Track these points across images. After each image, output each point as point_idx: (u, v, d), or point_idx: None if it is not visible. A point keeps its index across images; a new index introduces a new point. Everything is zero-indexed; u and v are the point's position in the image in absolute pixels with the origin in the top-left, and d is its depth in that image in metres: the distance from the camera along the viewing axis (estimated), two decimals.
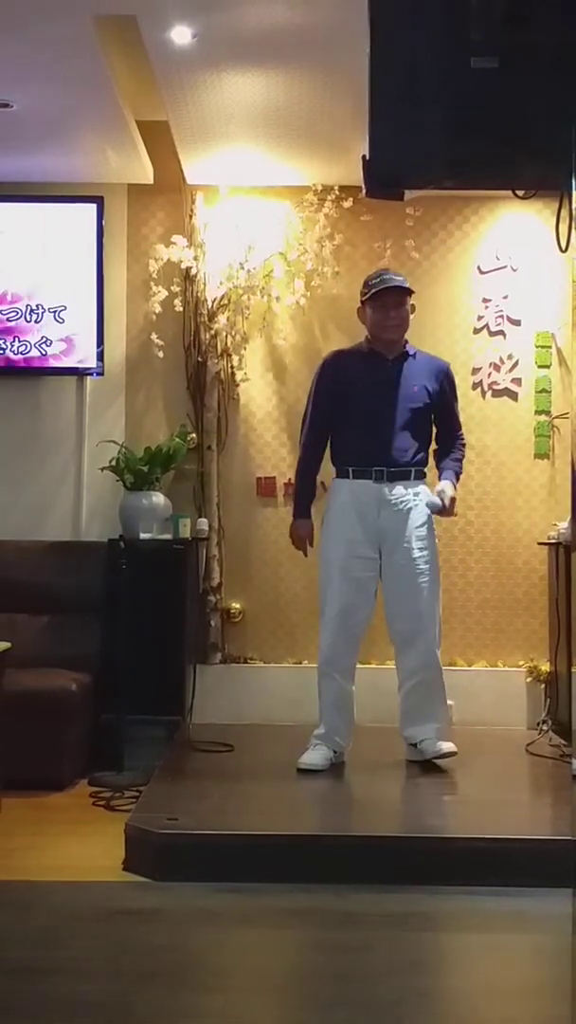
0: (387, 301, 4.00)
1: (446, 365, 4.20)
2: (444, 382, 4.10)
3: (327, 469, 4.19)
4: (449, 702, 4.73)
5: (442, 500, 4.00)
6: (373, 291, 4.02)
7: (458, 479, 4.13)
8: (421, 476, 4.07)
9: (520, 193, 2.45)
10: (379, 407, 3.98)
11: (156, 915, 2.95)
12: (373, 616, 4.08)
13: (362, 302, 4.09)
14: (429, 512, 4.04)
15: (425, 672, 4.01)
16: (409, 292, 4.06)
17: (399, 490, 3.99)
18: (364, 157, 2.18)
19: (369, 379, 4.00)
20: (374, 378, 3.99)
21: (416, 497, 4.01)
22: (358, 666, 4.33)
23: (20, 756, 4.05)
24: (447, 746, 3.96)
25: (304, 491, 4.16)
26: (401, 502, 3.99)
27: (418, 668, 4.01)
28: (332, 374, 4.08)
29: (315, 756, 3.97)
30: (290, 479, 5.04)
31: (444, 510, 4.02)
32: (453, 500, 4.03)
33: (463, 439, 4.22)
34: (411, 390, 3.99)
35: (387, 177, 2.17)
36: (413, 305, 4.10)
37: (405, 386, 3.99)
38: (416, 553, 3.99)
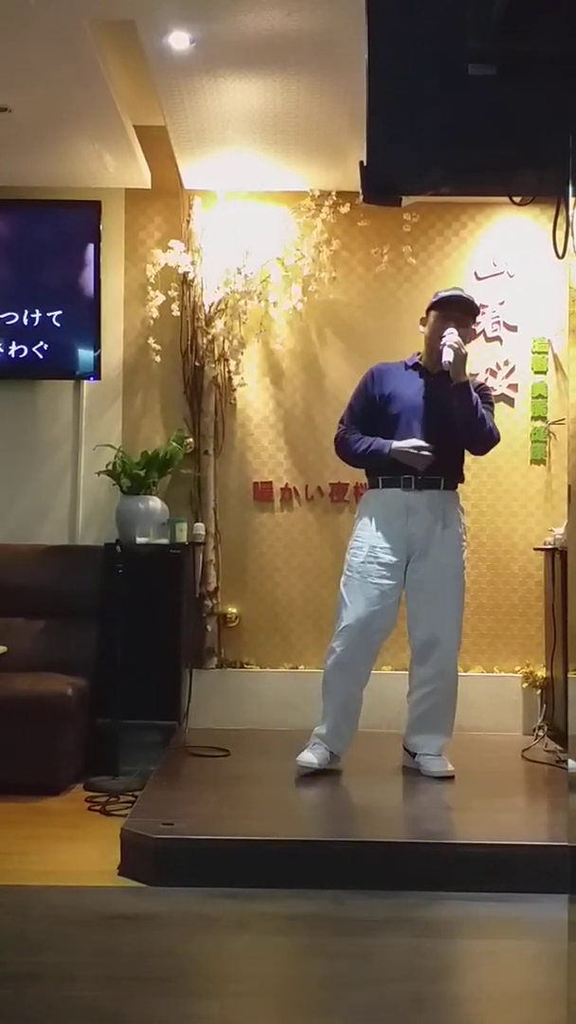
0: (453, 315, 3.98)
1: (484, 384, 4.18)
2: (482, 397, 4.02)
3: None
4: None
5: (455, 350, 3.85)
6: (441, 297, 4.05)
7: (475, 399, 3.91)
8: (453, 486, 4.03)
9: (517, 200, 2.46)
10: (414, 418, 3.95)
11: (152, 920, 2.95)
12: (394, 626, 4.03)
13: (428, 310, 4.07)
14: (459, 516, 4.01)
15: (440, 682, 3.99)
16: (475, 314, 4.06)
17: (429, 497, 3.96)
18: (361, 163, 2.19)
19: (409, 391, 3.98)
20: (414, 390, 3.98)
21: (447, 505, 3.97)
22: None
23: (16, 760, 4.06)
24: (447, 769, 3.94)
25: (365, 441, 3.99)
26: (430, 508, 3.95)
27: (433, 677, 3.99)
28: (374, 382, 4.06)
29: (314, 755, 3.96)
30: (287, 484, 5.05)
31: (457, 353, 3.85)
32: (465, 356, 3.89)
33: (495, 429, 4.04)
34: (448, 406, 3.93)
35: (384, 183, 2.18)
36: (474, 330, 4.07)
37: (442, 402, 3.94)
38: (445, 561, 3.96)
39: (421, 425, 3.95)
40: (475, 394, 3.94)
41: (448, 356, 3.85)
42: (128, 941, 2.82)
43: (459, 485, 4.08)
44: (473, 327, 4.08)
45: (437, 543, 3.95)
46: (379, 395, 4.03)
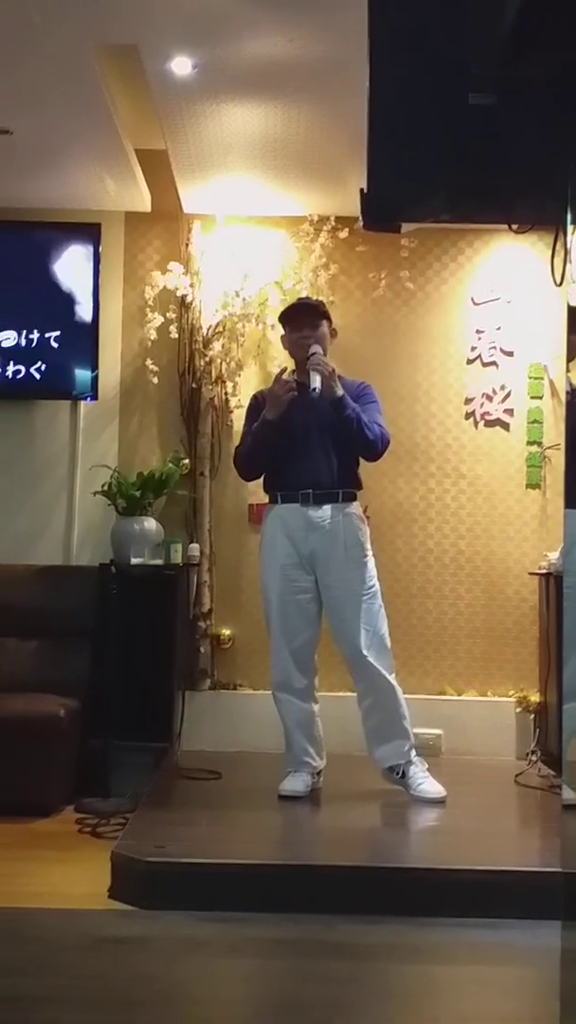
0: (302, 321, 4.07)
1: (364, 383, 4.18)
2: (361, 399, 4.07)
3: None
4: (438, 731, 4.78)
5: (320, 372, 3.88)
6: (286, 310, 4.19)
7: (351, 411, 3.94)
8: (351, 497, 4.07)
9: (515, 227, 2.48)
10: (303, 433, 3.99)
11: (142, 944, 2.93)
12: (319, 638, 4.08)
13: (284, 329, 4.17)
14: (359, 526, 4.03)
15: (376, 694, 3.99)
16: (323, 315, 4.11)
17: (327, 511, 3.99)
18: (362, 190, 2.20)
19: (293, 410, 3.99)
20: (297, 409, 3.98)
21: (346, 518, 4.01)
22: (343, 694, 4.33)
23: (6, 781, 4.04)
24: (440, 792, 3.93)
25: (249, 435, 4.08)
26: (330, 523, 3.99)
27: (368, 691, 4.00)
28: (258, 408, 4.10)
29: (295, 783, 3.97)
30: None
31: (322, 374, 3.88)
32: (332, 371, 3.93)
33: (384, 431, 4.06)
34: (332, 418, 3.97)
35: (385, 211, 2.20)
36: (334, 330, 4.16)
37: (326, 415, 3.97)
38: (349, 574, 3.98)
39: (310, 442, 3.99)
40: (352, 405, 3.96)
41: (316, 382, 3.88)
42: (118, 965, 2.80)
43: (358, 493, 4.11)
44: (331, 328, 4.12)
45: (341, 559, 3.98)
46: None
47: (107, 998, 2.59)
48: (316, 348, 3.97)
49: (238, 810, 3.90)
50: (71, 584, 4.80)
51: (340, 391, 3.95)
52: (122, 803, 4.11)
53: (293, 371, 4.15)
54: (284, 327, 4.17)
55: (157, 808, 3.91)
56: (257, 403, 4.17)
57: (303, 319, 4.08)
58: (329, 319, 4.15)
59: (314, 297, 4.97)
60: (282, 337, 4.22)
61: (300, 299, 4.37)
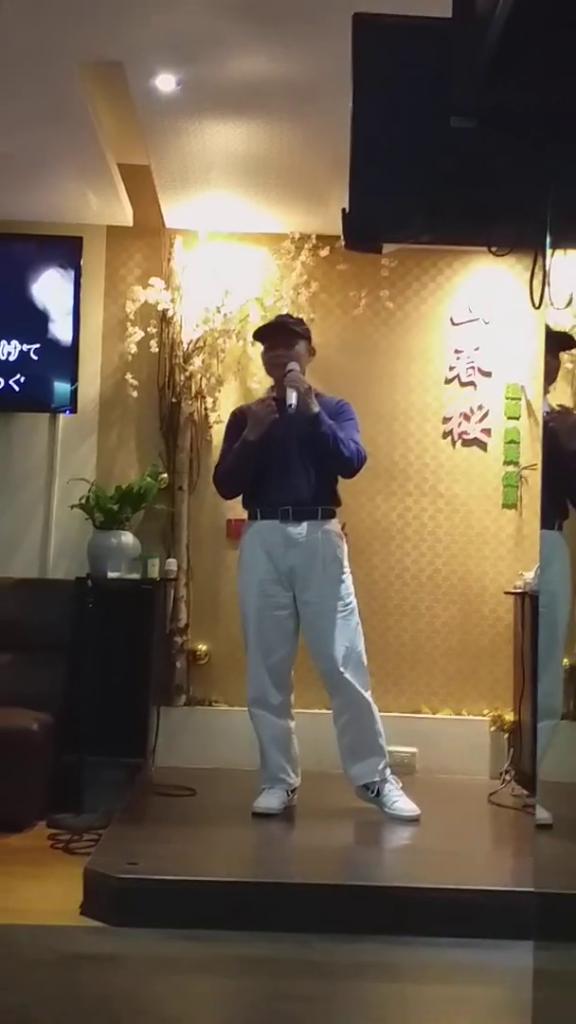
0: (276, 341, 4.10)
1: (342, 401, 4.19)
2: (339, 416, 4.08)
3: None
4: (412, 749, 4.78)
5: (296, 389, 3.91)
6: (261, 328, 4.23)
7: (327, 427, 3.96)
8: (330, 514, 4.09)
9: (495, 250, 2.51)
10: (282, 450, 4.00)
11: (114, 961, 2.91)
12: (296, 654, 4.09)
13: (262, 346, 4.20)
14: (337, 543, 4.04)
15: (352, 711, 3.99)
16: (298, 335, 4.12)
17: (305, 528, 4.01)
18: (344, 211, 2.22)
19: (272, 426, 4.00)
20: (276, 423, 4.01)
21: (324, 535, 4.03)
22: (321, 711, 4.33)
23: None
24: (413, 810, 3.93)
25: (229, 453, 4.12)
26: (309, 540, 4.01)
27: (344, 707, 4.01)
28: (238, 426, 4.12)
29: (270, 800, 3.97)
30: None
31: (298, 391, 3.91)
32: (308, 388, 3.96)
33: (360, 448, 4.07)
34: (309, 436, 3.99)
35: (367, 231, 2.21)
36: (313, 349, 4.20)
37: (304, 427, 3.99)
38: (327, 590, 4.00)
39: (289, 459, 4.01)
40: (328, 422, 3.98)
41: (291, 399, 3.91)
42: (89, 982, 2.78)
43: (337, 510, 4.13)
44: (310, 347, 4.16)
45: (319, 575, 4.00)
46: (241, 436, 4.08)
47: (76, 1015, 2.56)
48: (293, 365, 3.99)
49: (212, 827, 3.88)
50: (47, 597, 4.78)
51: (316, 408, 3.97)
52: (95, 819, 4.08)
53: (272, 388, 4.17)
54: (262, 344, 4.19)
55: (130, 824, 3.89)
56: (236, 420, 4.18)
57: (277, 338, 4.11)
58: (308, 338, 4.17)
59: (295, 315, 5.00)
60: (262, 354, 4.25)
61: (279, 316, 4.40)
